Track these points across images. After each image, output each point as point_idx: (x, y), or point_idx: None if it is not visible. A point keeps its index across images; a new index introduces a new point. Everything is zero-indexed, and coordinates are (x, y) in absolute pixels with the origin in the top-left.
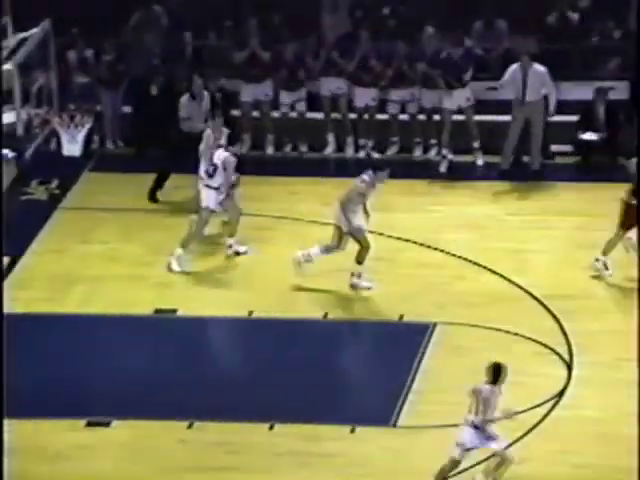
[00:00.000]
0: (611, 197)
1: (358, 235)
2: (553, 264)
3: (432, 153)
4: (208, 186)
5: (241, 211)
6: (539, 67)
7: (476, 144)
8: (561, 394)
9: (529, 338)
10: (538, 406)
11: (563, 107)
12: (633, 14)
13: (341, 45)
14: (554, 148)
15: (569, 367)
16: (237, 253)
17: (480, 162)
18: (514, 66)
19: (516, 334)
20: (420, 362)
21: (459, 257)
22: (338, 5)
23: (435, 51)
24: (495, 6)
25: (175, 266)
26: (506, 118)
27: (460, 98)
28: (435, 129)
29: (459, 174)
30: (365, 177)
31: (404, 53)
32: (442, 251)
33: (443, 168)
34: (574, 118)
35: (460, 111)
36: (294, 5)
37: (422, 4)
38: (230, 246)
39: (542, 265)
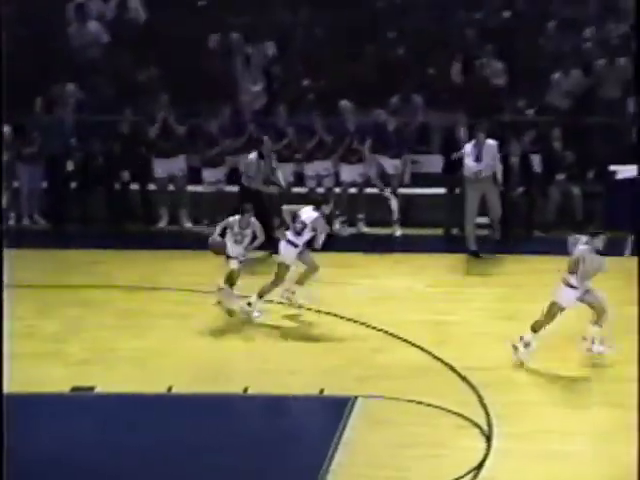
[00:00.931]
0: (529, 269)
1: (589, 299)
2: (472, 336)
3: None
4: (292, 243)
5: (318, 267)
6: (491, 141)
7: (395, 216)
8: (480, 466)
9: (449, 410)
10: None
11: None
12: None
13: (259, 119)
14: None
15: (488, 439)
16: (292, 302)
17: (398, 234)
18: (471, 143)
19: (436, 407)
20: (341, 436)
21: (380, 330)
22: (256, 78)
23: (364, 121)
24: (411, 82)
25: (256, 313)
26: (424, 191)
27: (390, 167)
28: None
29: (378, 247)
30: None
31: (323, 126)
32: (363, 324)
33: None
34: None
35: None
36: (210, 77)
37: (339, 78)
38: (293, 292)
39: (462, 337)
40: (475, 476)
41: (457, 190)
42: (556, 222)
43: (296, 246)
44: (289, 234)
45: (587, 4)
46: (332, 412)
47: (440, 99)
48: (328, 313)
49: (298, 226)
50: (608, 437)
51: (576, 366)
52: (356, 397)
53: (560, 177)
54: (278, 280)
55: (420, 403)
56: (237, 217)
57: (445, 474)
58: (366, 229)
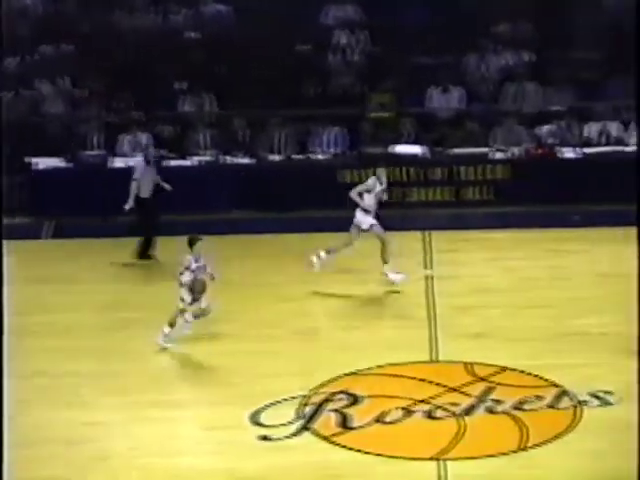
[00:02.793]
0: None
1: None
2: None
3: None
4: (365, 210)
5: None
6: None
7: None
8: None
9: None
10: None
11: None
12: None
13: None
14: None
15: None
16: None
17: None
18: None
19: None
20: None
21: None
22: None
23: None
24: None
25: (395, 276)
26: None
27: None
28: None
29: None
30: None
31: None
32: None
33: None
34: None
35: None
36: None
37: None
38: (386, 274)
39: None
40: None
41: None
42: None
43: (368, 212)
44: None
45: None
46: None
47: None
48: None
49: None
50: None
51: None
52: None
53: None
54: (349, 241)
55: None
56: (189, 257)
57: None
58: None
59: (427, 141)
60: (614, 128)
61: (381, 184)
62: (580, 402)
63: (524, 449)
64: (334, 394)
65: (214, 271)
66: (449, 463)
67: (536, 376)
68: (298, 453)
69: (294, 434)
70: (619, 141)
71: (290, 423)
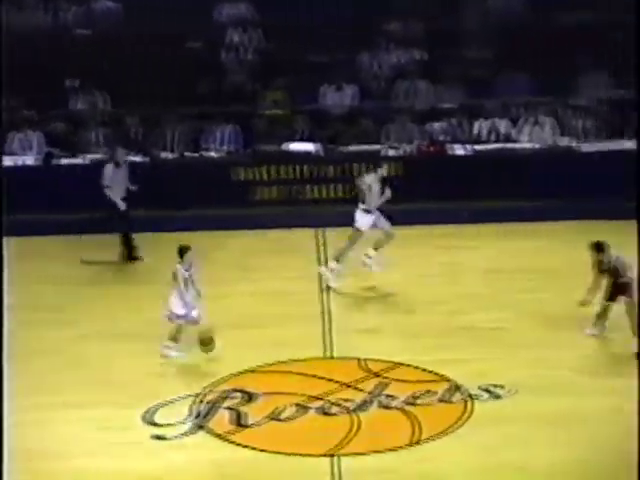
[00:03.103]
0: None
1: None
2: None
3: None
4: (366, 211)
5: (393, 234)
6: None
7: None
8: None
9: None
10: None
11: None
12: None
13: None
14: None
15: None
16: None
17: None
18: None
19: None
20: None
21: None
22: None
23: None
24: None
25: (332, 282)
26: None
27: None
28: None
29: None
30: None
31: None
32: None
33: None
34: None
35: None
36: None
37: None
38: (370, 257)
39: None
40: None
41: None
42: None
43: (369, 212)
44: (361, 204)
45: None
46: None
47: None
48: None
49: (361, 194)
50: None
51: None
52: None
53: None
54: (352, 244)
55: None
56: (179, 266)
57: None
58: None
59: (321, 138)
60: (503, 125)
61: (379, 182)
62: (471, 396)
63: (417, 443)
64: (229, 392)
65: (200, 285)
66: (343, 459)
67: (426, 370)
68: (193, 452)
69: (188, 433)
70: (508, 138)
71: (184, 422)
